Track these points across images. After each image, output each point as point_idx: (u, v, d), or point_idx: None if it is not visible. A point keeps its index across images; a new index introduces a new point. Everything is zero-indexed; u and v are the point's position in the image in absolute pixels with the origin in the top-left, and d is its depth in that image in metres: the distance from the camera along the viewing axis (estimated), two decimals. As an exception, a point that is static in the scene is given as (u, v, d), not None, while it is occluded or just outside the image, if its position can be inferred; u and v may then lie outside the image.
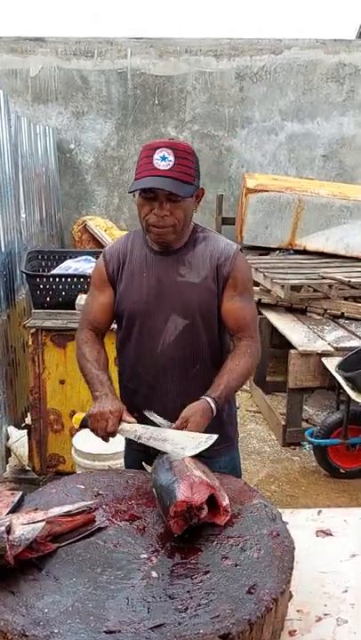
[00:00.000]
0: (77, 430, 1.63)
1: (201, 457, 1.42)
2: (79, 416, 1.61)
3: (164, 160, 1.49)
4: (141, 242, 1.68)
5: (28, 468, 3.26)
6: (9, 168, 3.63)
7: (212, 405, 1.52)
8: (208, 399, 1.53)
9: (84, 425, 1.58)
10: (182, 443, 1.43)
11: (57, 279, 3.31)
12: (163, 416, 1.61)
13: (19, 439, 3.33)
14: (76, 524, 1.23)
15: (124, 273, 1.67)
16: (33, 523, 1.17)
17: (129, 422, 1.52)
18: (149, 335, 1.65)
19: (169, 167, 1.49)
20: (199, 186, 1.59)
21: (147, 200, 1.54)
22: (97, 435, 1.52)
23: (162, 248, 1.64)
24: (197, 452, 1.40)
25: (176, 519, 1.19)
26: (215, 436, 1.45)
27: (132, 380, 1.73)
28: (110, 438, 1.53)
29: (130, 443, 1.83)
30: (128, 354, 1.72)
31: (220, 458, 1.74)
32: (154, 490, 1.33)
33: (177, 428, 1.49)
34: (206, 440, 1.43)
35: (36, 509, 1.26)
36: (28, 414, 3.40)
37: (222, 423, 1.70)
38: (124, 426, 1.51)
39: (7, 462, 3.35)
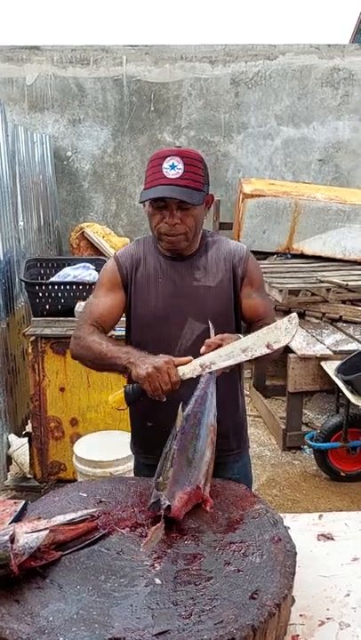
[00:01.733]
0: (123, 409, 1.49)
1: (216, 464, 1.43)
2: (118, 395, 1.48)
3: (173, 168, 1.50)
4: (153, 248, 1.68)
5: (29, 475, 3.26)
6: (6, 176, 3.65)
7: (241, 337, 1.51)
8: (240, 335, 1.53)
9: (132, 398, 1.46)
10: (265, 340, 1.41)
11: (56, 287, 3.32)
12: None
13: (19, 447, 3.34)
14: (79, 533, 1.23)
15: (138, 278, 1.66)
16: (36, 531, 1.17)
17: (185, 363, 1.43)
18: (166, 341, 1.63)
19: (178, 175, 1.50)
20: (209, 192, 1.61)
21: (157, 209, 1.55)
22: (159, 394, 1.41)
23: (174, 254, 1.65)
24: (293, 335, 1.40)
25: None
26: (295, 314, 1.43)
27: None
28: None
29: (140, 457, 1.83)
30: None
31: (236, 463, 1.75)
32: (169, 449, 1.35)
33: (208, 347, 1.45)
34: (291, 321, 1.41)
35: (39, 518, 1.26)
36: (29, 422, 3.41)
37: (240, 424, 1.72)
38: (183, 369, 1.43)
39: (8, 470, 3.35)
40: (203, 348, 1.47)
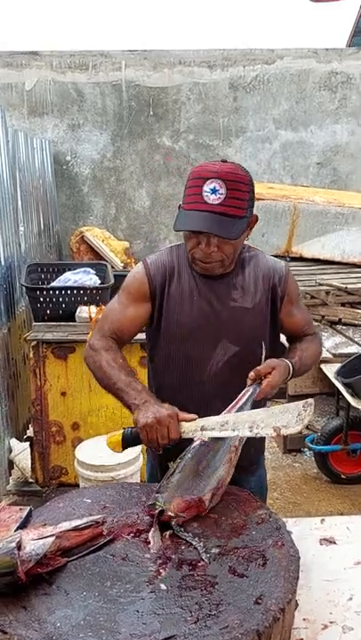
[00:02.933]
0: (119, 451, 1.44)
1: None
2: (115, 436, 1.42)
3: (214, 193, 1.39)
4: (187, 261, 1.58)
5: (30, 480, 3.27)
6: (7, 182, 3.66)
7: (290, 366, 1.52)
8: (287, 360, 1.52)
9: (129, 443, 1.41)
10: (274, 422, 1.35)
11: (56, 292, 3.33)
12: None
13: (21, 452, 3.35)
14: (85, 539, 1.25)
15: (172, 292, 1.57)
16: (42, 538, 1.19)
17: (188, 421, 1.37)
18: (196, 361, 1.57)
19: (220, 201, 1.39)
20: (252, 215, 1.50)
21: (194, 234, 1.46)
22: (155, 447, 1.37)
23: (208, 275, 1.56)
24: (305, 424, 1.35)
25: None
26: (312, 401, 1.39)
27: (180, 407, 1.60)
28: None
29: (153, 452, 1.74)
30: (169, 379, 1.62)
31: (253, 476, 1.75)
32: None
33: (258, 374, 1.44)
34: (305, 408, 1.36)
35: (45, 524, 1.28)
36: (30, 426, 3.41)
37: (261, 438, 1.68)
38: (185, 426, 1.37)
39: (10, 475, 3.36)
40: (251, 374, 1.45)
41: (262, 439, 1.77)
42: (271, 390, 1.47)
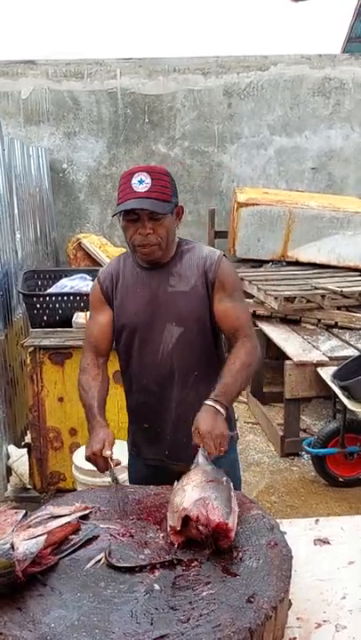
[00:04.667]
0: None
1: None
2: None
3: (141, 183, 1.59)
4: (132, 261, 1.78)
5: (28, 486, 3.27)
6: (3, 189, 3.69)
7: (213, 404, 1.55)
8: (207, 402, 1.57)
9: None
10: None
11: (53, 298, 3.35)
12: (168, 425, 1.73)
13: (19, 458, 3.35)
14: (67, 532, 1.28)
15: (119, 290, 1.76)
16: (34, 537, 1.20)
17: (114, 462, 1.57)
18: (149, 346, 1.73)
19: (147, 189, 1.59)
20: (178, 203, 1.69)
21: (131, 222, 1.64)
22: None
23: (151, 265, 1.73)
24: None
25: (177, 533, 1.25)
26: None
27: (138, 393, 1.81)
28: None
29: (133, 452, 1.92)
30: (132, 366, 1.79)
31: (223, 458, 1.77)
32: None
33: (195, 447, 1.52)
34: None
35: (29, 526, 1.28)
36: (28, 433, 3.42)
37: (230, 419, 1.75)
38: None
39: (8, 481, 3.36)
40: (193, 449, 1.52)
41: (230, 420, 1.80)
42: (211, 436, 1.50)
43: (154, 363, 1.74)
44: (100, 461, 1.56)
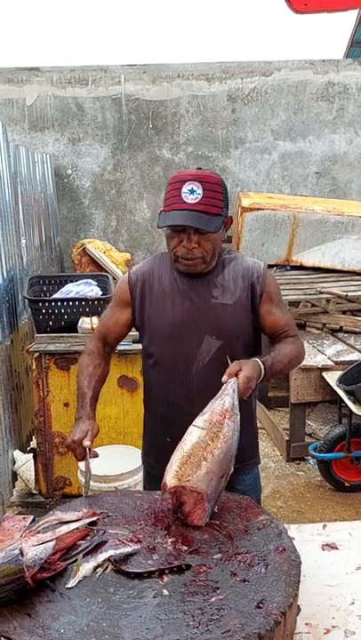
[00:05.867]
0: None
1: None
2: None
3: (192, 193, 1.50)
4: (169, 265, 1.68)
5: (34, 491, 3.27)
6: (9, 195, 3.71)
7: (260, 363, 1.53)
8: (256, 359, 1.55)
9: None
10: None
11: (59, 303, 3.36)
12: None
13: (24, 463, 3.35)
14: (76, 538, 1.28)
15: (154, 295, 1.68)
16: (43, 543, 1.21)
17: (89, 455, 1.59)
18: (183, 357, 1.66)
19: (197, 200, 1.51)
20: (228, 215, 1.60)
21: (175, 232, 1.56)
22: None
23: (191, 274, 1.65)
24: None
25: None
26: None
27: (161, 405, 1.74)
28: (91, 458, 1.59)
29: (149, 468, 1.88)
30: (159, 378, 1.71)
31: (247, 475, 1.78)
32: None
33: (229, 374, 1.47)
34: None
35: (38, 532, 1.29)
36: (33, 438, 3.43)
37: (254, 434, 1.78)
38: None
39: (14, 486, 3.36)
40: (225, 377, 1.47)
41: (255, 432, 1.83)
42: (247, 381, 1.47)
43: (186, 376, 1.65)
44: (79, 450, 1.56)
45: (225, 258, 1.70)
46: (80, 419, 1.62)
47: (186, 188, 1.51)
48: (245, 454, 1.76)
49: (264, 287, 1.67)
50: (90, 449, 1.56)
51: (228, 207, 1.61)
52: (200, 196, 1.51)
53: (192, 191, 1.50)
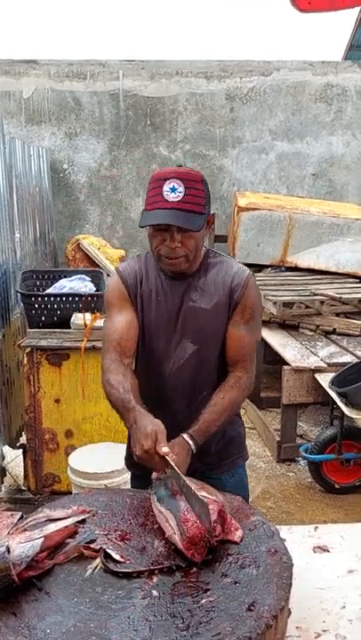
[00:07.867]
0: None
1: (209, 478, 1.46)
2: None
3: (173, 192, 1.48)
4: (155, 265, 1.66)
5: (23, 487, 3.25)
6: (3, 189, 3.67)
7: (189, 440, 1.49)
8: (184, 435, 1.50)
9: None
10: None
11: (52, 298, 3.33)
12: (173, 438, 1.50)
13: (14, 459, 3.32)
14: (64, 536, 1.25)
15: (143, 292, 1.65)
16: (30, 540, 1.18)
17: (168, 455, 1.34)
18: (159, 358, 1.64)
19: (179, 199, 1.48)
20: (210, 213, 1.58)
21: (158, 231, 1.54)
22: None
23: (174, 274, 1.63)
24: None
25: (195, 548, 1.19)
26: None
27: (145, 401, 1.65)
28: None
29: (132, 469, 1.85)
30: (140, 374, 1.67)
31: (232, 477, 1.75)
32: (160, 509, 1.31)
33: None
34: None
35: (25, 530, 1.26)
36: (23, 434, 3.40)
37: (230, 437, 1.74)
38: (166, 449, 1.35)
39: (2, 482, 3.33)
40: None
41: (241, 435, 1.80)
42: (183, 465, 1.42)
43: (162, 375, 1.64)
44: (157, 460, 1.33)
45: (210, 261, 1.66)
46: (136, 420, 1.40)
47: (167, 186, 1.48)
48: (230, 452, 1.76)
49: (241, 297, 1.60)
50: (169, 454, 1.33)
51: (210, 205, 1.57)
52: (182, 194, 1.48)
53: (173, 189, 1.48)
